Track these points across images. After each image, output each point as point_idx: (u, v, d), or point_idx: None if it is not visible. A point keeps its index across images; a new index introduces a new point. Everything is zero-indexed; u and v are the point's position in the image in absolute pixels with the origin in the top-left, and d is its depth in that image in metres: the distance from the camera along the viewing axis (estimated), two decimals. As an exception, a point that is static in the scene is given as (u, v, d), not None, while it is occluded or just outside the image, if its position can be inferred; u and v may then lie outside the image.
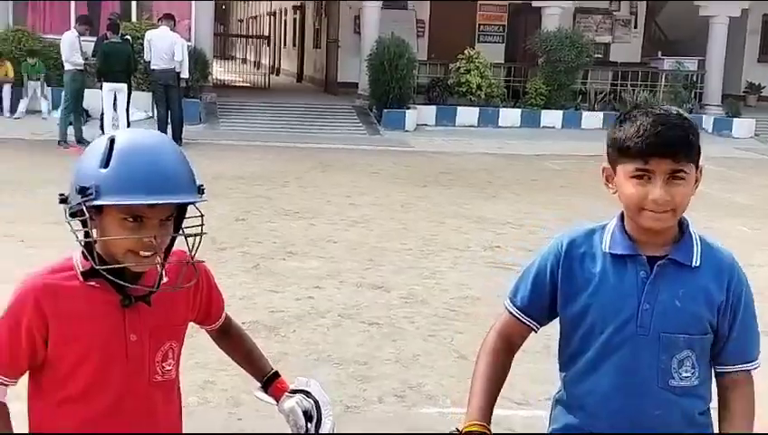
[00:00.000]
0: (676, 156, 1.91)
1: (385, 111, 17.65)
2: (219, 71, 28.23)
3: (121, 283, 1.81)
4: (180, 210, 1.87)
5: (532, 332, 2.18)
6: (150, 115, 14.93)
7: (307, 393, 2.17)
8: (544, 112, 19.01)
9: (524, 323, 2.14)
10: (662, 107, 2.03)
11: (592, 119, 19.34)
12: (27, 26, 17.19)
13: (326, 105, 19.17)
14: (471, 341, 5.64)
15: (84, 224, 1.83)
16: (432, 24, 22.21)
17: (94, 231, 1.82)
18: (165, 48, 13.98)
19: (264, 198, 10.21)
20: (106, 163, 1.74)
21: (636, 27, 23.38)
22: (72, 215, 1.83)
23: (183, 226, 1.89)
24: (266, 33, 32.80)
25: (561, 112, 19.10)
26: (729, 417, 2.04)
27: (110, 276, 1.80)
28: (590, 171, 14.42)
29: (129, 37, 14.47)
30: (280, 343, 5.41)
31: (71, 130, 13.73)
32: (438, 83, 19.60)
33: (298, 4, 27.50)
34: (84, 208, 1.75)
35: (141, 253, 1.79)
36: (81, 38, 13.85)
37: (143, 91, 14.78)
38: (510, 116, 18.87)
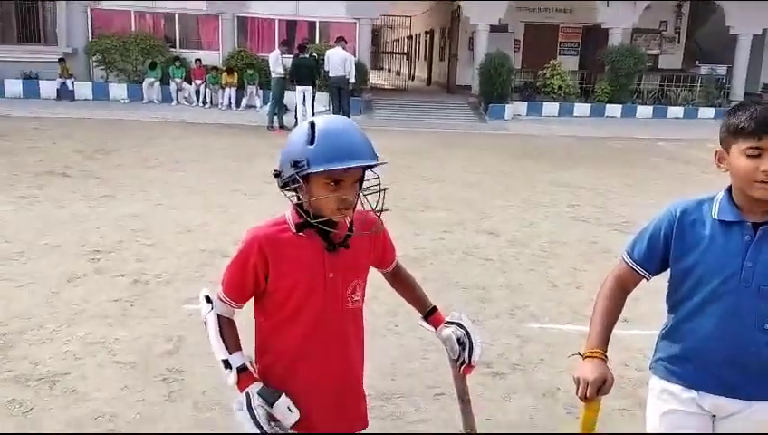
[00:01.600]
0: None
1: (490, 105, 17.09)
2: (374, 78, 28.20)
3: (329, 229, 1.70)
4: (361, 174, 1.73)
5: (644, 280, 1.92)
6: (328, 109, 14.90)
7: (459, 325, 1.97)
8: (608, 106, 18.01)
9: (639, 272, 1.90)
10: (766, 98, 1.73)
11: (645, 110, 18.23)
12: (246, 48, 17.46)
13: (448, 101, 18.75)
14: (561, 274, 5.35)
15: (296, 190, 1.70)
16: (525, 42, 21.34)
17: (303, 195, 1.69)
18: (339, 61, 13.96)
19: (406, 167, 10.03)
20: (311, 141, 1.63)
21: (678, 42, 21.76)
22: (284, 185, 1.71)
23: (364, 186, 1.73)
24: (405, 51, 32.38)
25: (620, 106, 18.02)
26: None
27: (323, 227, 1.69)
28: (642, 150, 13.68)
29: (315, 54, 14.47)
30: (421, 272, 5.24)
31: (275, 119, 13.95)
32: (530, 85, 18.88)
33: (429, 29, 26.99)
34: (298, 177, 1.63)
35: (341, 209, 1.67)
36: (283, 55, 13.99)
37: (323, 91, 14.74)
38: (582, 109, 17.96)
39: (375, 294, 4.39)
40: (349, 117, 13.89)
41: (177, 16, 17.55)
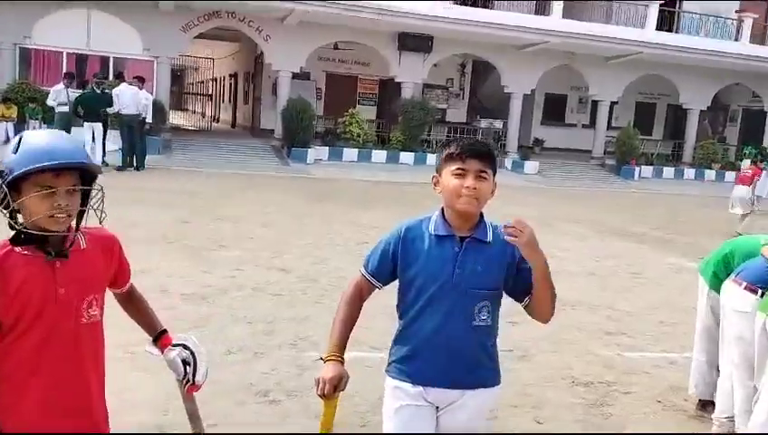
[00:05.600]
0: (482, 159, 2.02)
1: (293, 149, 17.43)
2: (176, 118, 27.44)
3: (45, 233, 1.69)
4: (84, 186, 1.75)
5: (376, 289, 2.19)
6: (121, 147, 14.16)
7: (185, 346, 2.04)
8: (402, 154, 19.14)
9: (372, 283, 2.17)
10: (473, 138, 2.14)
11: (433, 158, 19.46)
12: (29, 80, 16.14)
13: (251, 144, 18.77)
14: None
15: (7, 205, 1.69)
16: (327, 91, 22.15)
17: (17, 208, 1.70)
18: (129, 99, 13.42)
19: (202, 207, 9.89)
20: (16, 150, 1.68)
21: (463, 98, 24.00)
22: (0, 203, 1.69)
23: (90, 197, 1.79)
24: (209, 92, 31.96)
25: (413, 154, 19.25)
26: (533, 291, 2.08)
27: (34, 233, 1.68)
28: (430, 193, 14.78)
29: (107, 90, 13.78)
30: (208, 308, 5.21)
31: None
32: (330, 131, 19.61)
33: (233, 72, 26.96)
34: (5, 188, 1.65)
35: (56, 215, 1.67)
36: (68, 89, 13.14)
37: (115, 129, 14.00)
38: (379, 155, 18.93)
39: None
40: (144, 157, 13.66)
41: (-56, 44, 15.77)
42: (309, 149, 17.64)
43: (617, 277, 7.70)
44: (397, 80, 19.63)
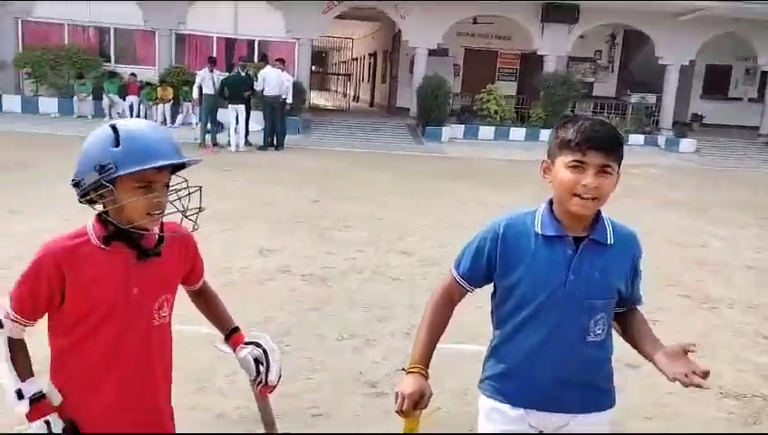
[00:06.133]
0: (606, 152, 1.66)
1: (427, 127, 17.26)
2: (318, 98, 28.29)
3: (142, 231, 1.62)
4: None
5: (469, 292, 1.91)
6: (263, 127, 14.74)
7: (258, 344, 1.90)
8: (543, 131, 18.31)
9: (463, 286, 1.89)
10: (597, 118, 1.77)
11: (577, 136, 18.61)
12: (184, 64, 17.20)
13: (387, 122, 18.82)
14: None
15: (99, 198, 1.60)
16: (465, 67, 21.70)
17: (110, 202, 1.60)
18: (275, 81, 13.89)
19: (333, 187, 9.98)
20: (116, 144, 1.55)
21: (612, 71, 22.50)
22: (84, 194, 1.61)
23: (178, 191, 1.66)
24: (347, 72, 32.57)
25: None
26: (641, 328, 1.84)
27: (135, 230, 1.60)
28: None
29: (250, 73, 14.33)
30: (326, 291, 5.17)
31: (208, 136, 13.73)
32: (467, 108, 19.19)
33: (372, 51, 27.20)
34: (105, 182, 1.54)
35: (154, 213, 1.59)
36: (212, 72, 13.80)
37: (258, 110, 14.59)
38: (518, 133, 18.29)
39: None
40: (284, 136, 14.10)
41: (112, 30, 17.20)
42: (444, 128, 17.38)
43: (782, 272, 6.77)
44: (539, 53, 18.81)
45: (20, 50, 16.45)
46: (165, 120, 16.26)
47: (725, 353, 4.49)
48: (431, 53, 18.53)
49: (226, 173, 10.86)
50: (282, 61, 14.58)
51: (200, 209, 1.63)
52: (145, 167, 1.54)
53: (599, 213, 1.77)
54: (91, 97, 16.15)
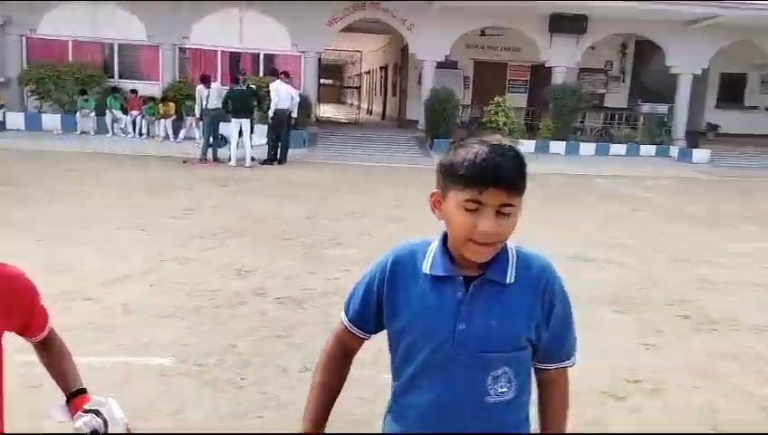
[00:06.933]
0: (509, 189, 1.33)
1: (436, 140, 17.01)
2: (332, 111, 28.22)
3: None
4: None
5: (365, 340, 1.60)
6: (268, 142, 14.59)
7: (98, 412, 1.62)
8: (552, 143, 18.06)
9: (355, 334, 1.57)
10: (495, 137, 1.39)
11: (588, 148, 18.21)
12: (188, 78, 17.16)
13: (395, 135, 18.62)
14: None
15: None
16: (475, 79, 21.49)
17: None
18: (286, 95, 13.78)
19: (329, 201, 9.74)
20: None
21: (624, 82, 22.13)
22: None
23: None
24: (357, 85, 32.51)
25: (564, 143, 18.08)
26: (548, 412, 1.53)
27: None
28: (582, 186, 13.63)
29: (252, 86, 14.20)
30: (300, 315, 4.90)
31: (210, 151, 13.61)
32: (476, 121, 18.93)
33: (383, 64, 27.10)
34: None
35: None
36: (213, 86, 13.70)
37: (261, 124, 14.46)
38: (527, 145, 17.89)
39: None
40: (287, 150, 13.94)
41: (116, 46, 17.21)
42: (450, 141, 17.09)
43: (793, 291, 6.38)
44: (547, 65, 18.53)
45: (24, 66, 16.49)
46: (167, 135, 16.19)
47: (724, 383, 4.15)
48: (440, 65, 18.34)
49: (224, 188, 10.70)
50: (286, 74, 14.45)
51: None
52: None
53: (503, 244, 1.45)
54: (94, 113, 16.12)
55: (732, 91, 21.81)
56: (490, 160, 1.31)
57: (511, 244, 1.47)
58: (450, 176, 1.36)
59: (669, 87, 19.24)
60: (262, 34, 17.27)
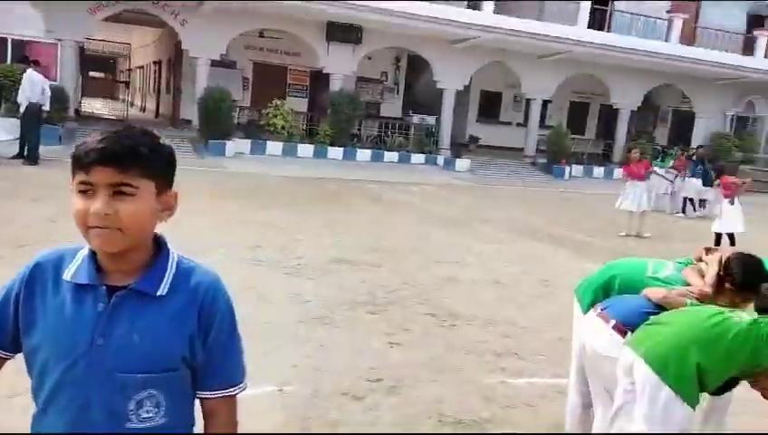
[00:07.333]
0: (119, 166, 1.23)
1: (211, 141, 16.45)
2: (100, 107, 26.15)
3: None
4: None
5: (7, 360, 1.38)
6: (16, 137, 12.96)
7: None
8: (331, 148, 18.39)
9: None
10: (134, 126, 1.32)
11: (364, 154, 18.89)
12: None
13: (166, 135, 17.53)
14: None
15: None
16: (255, 81, 21.19)
17: None
18: (38, 86, 12.36)
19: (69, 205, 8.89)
20: None
21: (398, 93, 23.38)
22: None
23: None
24: (127, 80, 30.54)
25: (342, 149, 18.53)
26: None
27: None
28: (355, 191, 14.08)
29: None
30: None
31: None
32: (254, 123, 18.70)
33: (157, 60, 25.63)
34: None
35: None
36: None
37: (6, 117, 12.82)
38: (306, 150, 18.10)
39: None
40: (36, 149, 12.51)
41: None
42: (228, 142, 16.71)
43: (524, 286, 7.13)
44: (325, 71, 18.90)
45: None
46: None
47: (455, 376, 4.45)
48: (216, 64, 17.82)
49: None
50: (36, 63, 12.98)
51: None
52: None
53: (163, 252, 1.35)
54: None
55: (490, 107, 24.19)
56: (102, 141, 1.24)
57: (177, 254, 1.36)
58: (72, 164, 1.27)
59: (437, 100, 20.72)
60: (10, 17, 15.34)
